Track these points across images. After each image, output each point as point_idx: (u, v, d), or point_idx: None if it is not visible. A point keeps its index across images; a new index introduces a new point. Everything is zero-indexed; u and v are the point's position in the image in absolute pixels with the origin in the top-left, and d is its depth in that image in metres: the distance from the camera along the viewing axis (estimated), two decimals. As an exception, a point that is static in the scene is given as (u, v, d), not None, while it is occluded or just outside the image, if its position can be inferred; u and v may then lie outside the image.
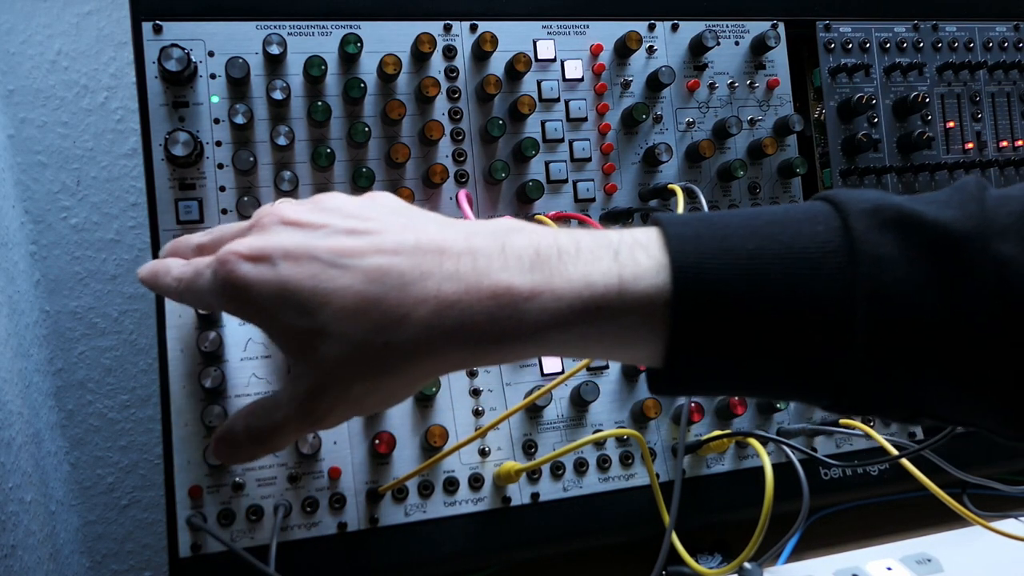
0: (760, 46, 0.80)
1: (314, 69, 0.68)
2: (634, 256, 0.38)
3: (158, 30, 0.67)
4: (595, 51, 0.76)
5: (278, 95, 0.67)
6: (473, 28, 0.74)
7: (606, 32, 0.77)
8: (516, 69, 0.72)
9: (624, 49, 0.76)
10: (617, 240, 0.39)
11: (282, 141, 0.67)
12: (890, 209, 0.38)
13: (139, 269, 0.51)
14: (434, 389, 0.66)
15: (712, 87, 0.79)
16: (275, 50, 0.67)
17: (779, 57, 0.82)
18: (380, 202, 0.44)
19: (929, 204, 0.39)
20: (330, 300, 0.39)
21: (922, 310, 0.37)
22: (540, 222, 0.70)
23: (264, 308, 0.41)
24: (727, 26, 0.80)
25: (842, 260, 0.37)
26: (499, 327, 0.38)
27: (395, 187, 0.70)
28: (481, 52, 0.72)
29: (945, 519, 0.71)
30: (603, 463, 0.70)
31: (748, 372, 0.39)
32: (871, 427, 0.73)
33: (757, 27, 0.81)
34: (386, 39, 0.71)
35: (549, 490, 0.68)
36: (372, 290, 0.38)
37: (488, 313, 0.38)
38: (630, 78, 0.77)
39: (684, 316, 0.37)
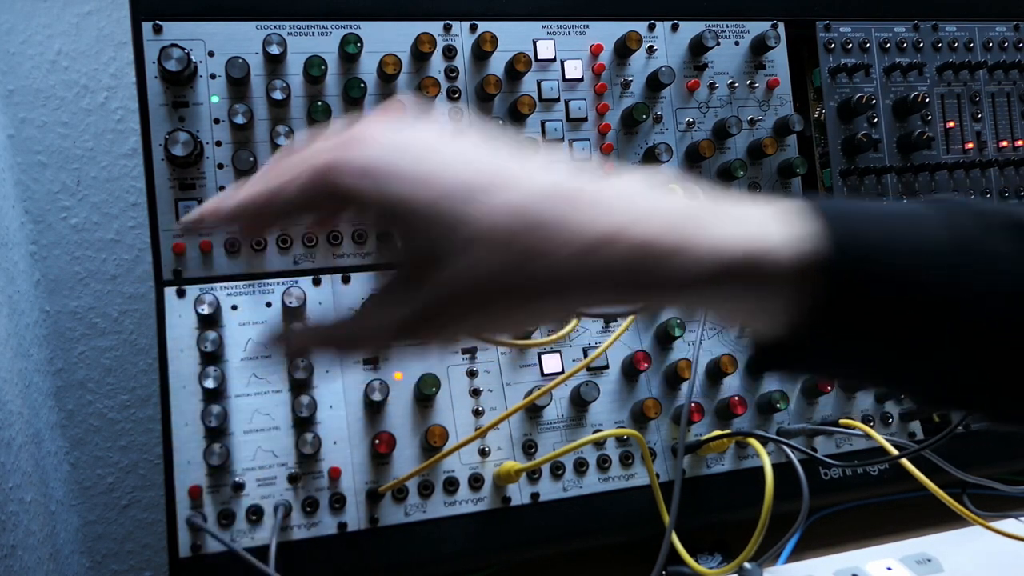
0: (760, 46, 0.80)
1: (314, 69, 0.68)
2: (784, 224, 0.37)
3: (158, 30, 0.67)
4: (595, 51, 0.76)
5: (278, 95, 0.67)
6: (473, 28, 0.74)
7: (606, 32, 0.76)
8: (516, 69, 0.72)
9: (624, 49, 0.76)
10: (763, 207, 0.39)
11: (282, 141, 0.67)
12: (1007, 214, 0.39)
13: (182, 219, 0.47)
14: (434, 389, 0.66)
15: (712, 87, 0.79)
16: (275, 50, 0.67)
17: (779, 57, 0.82)
18: (478, 139, 0.42)
19: None
20: (460, 227, 0.38)
21: None
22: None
23: (378, 222, 0.41)
24: (727, 26, 0.80)
25: (970, 259, 0.37)
26: (633, 279, 0.38)
27: (395, 187, 0.69)
28: (481, 52, 0.72)
29: (945, 519, 0.71)
30: (603, 463, 0.70)
31: (881, 357, 0.39)
32: (871, 427, 0.73)
33: (757, 27, 0.81)
34: (386, 39, 0.71)
35: (549, 490, 0.68)
36: (508, 225, 0.37)
37: (626, 264, 0.37)
38: (630, 78, 0.77)
39: (832, 288, 0.37)
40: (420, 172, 0.39)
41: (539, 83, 0.75)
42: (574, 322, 0.69)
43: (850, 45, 0.84)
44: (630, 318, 0.71)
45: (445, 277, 0.39)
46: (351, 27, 0.71)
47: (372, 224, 0.41)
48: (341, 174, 0.39)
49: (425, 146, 0.40)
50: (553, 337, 0.69)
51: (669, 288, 0.38)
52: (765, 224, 0.38)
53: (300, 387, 0.66)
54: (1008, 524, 0.70)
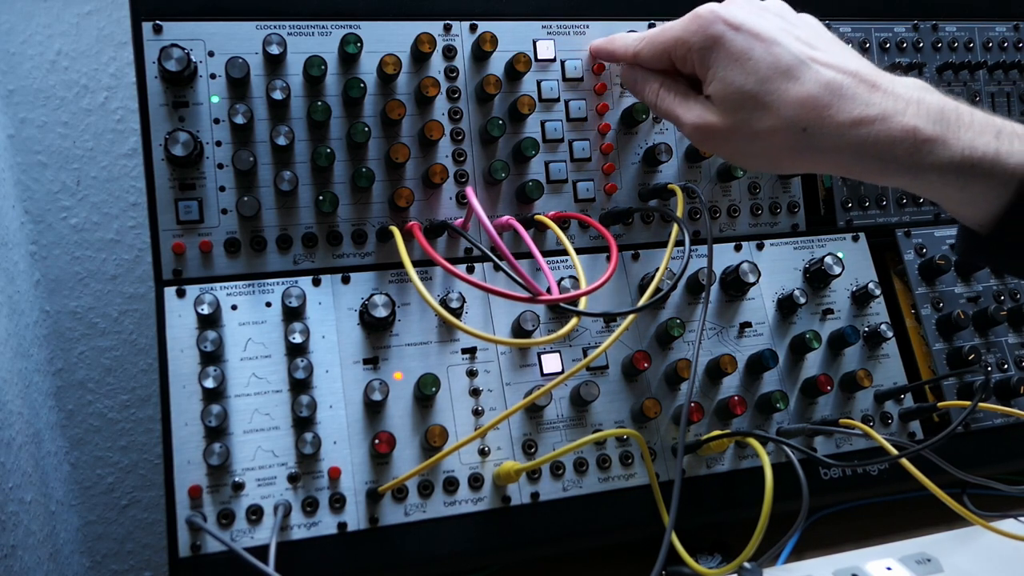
0: (760, 46, 0.80)
1: (314, 69, 0.68)
2: (1012, 139, 0.51)
3: (158, 30, 0.67)
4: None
5: (278, 95, 0.67)
6: (473, 28, 0.74)
7: (606, 32, 0.76)
8: (516, 69, 0.72)
9: (624, 49, 0.76)
10: (1000, 124, 0.52)
11: (282, 141, 0.67)
12: None
13: (593, 43, 0.73)
14: (434, 389, 0.66)
15: (712, 87, 0.79)
16: (275, 50, 0.67)
17: (779, 57, 0.81)
18: (820, 29, 0.60)
19: None
20: (785, 84, 0.54)
21: None
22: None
23: (723, 60, 0.57)
24: (727, 26, 0.80)
25: None
26: (895, 155, 0.51)
27: (395, 187, 0.70)
28: (481, 52, 0.72)
29: (945, 519, 0.71)
30: (603, 463, 0.70)
31: None
32: (871, 427, 0.73)
33: (757, 27, 0.80)
34: (386, 39, 0.71)
35: (549, 490, 0.68)
36: (818, 93, 0.53)
37: (892, 142, 0.51)
38: (630, 78, 0.77)
39: None
40: (770, 38, 0.55)
41: (539, 83, 0.75)
42: (574, 321, 0.69)
43: (850, 45, 0.84)
44: (630, 318, 0.71)
45: (744, 114, 0.56)
46: (351, 27, 0.71)
47: (715, 67, 0.58)
48: (715, 21, 0.57)
49: (775, 20, 0.57)
50: (552, 336, 0.69)
51: (921, 168, 0.51)
52: (1002, 136, 0.51)
53: (300, 387, 0.66)
54: (1008, 524, 0.70)
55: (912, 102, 0.52)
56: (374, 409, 0.67)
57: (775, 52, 0.54)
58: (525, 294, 0.63)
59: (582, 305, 0.67)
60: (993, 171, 0.50)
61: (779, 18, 0.58)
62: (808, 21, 0.59)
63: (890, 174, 0.54)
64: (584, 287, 0.69)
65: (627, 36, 0.68)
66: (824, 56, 0.54)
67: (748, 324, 0.76)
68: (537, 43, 0.75)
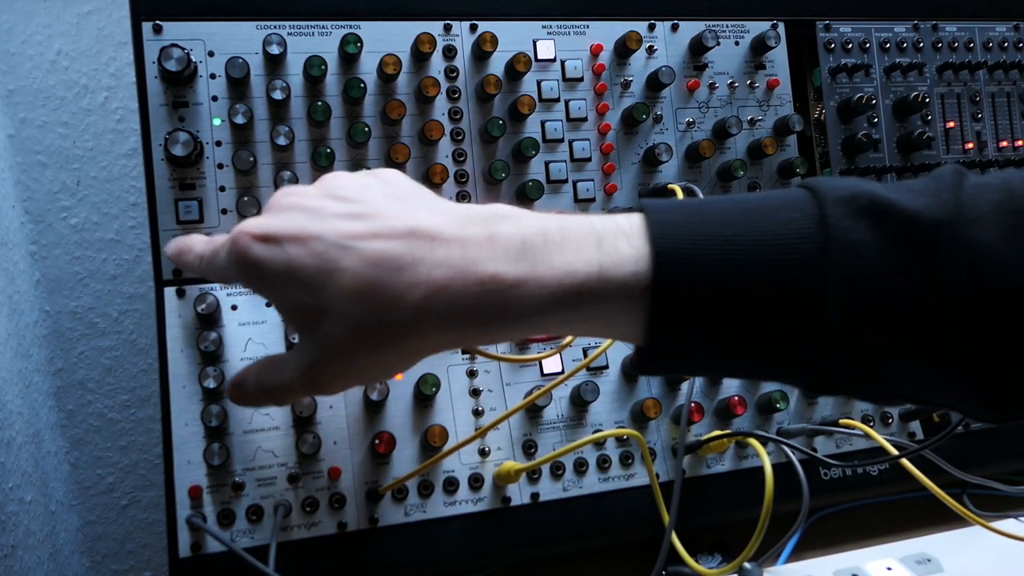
0: (760, 46, 0.80)
1: (314, 69, 0.68)
2: (616, 245, 0.40)
3: (158, 30, 0.67)
4: (595, 51, 0.76)
5: (278, 95, 0.67)
6: (473, 28, 0.74)
7: (606, 32, 0.76)
8: (516, 69, 0.72)
9: (624, 49, 0.76)
10: (600, 227, 0.41)
11: (282, 141, 0.67)
12: (864, 197, 0.40)
13: (167, 245, 0.55)
14: (434, 389, 0.66)
15: (712, 87, 0.79)
16: (275, 50, 0.67)
17: (779, 57, 0.82)
18: (383, 182, 0.46)
19: (904, 192, 0.40)
20: (332, 281, 0.41)
21: (893, 294, 0.38)
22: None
23: (273, 284, 0.44)
24: (727, 26, 0.80)
25: (816, 246, 0.39)
26: (486, 312, 0.40)
27: (395, 187, 0.69)
28: (481, 52, 0.72)
29: (945, 519, 0.71)
30: (603, 463, 0.70)
31: (726, 353, 0.42)
32: (871, 427, 0.73)
33: (757, 27, 0.81)
34: (386, 39, 0.71)
35: (549, 490, 0.68)
36: (370, 273, 0.40)
37: (476, 299, 0.40)
38: (630, 78, 0.77)
39: (662, 301, 0.39)
40: (307, 229, 0.42)
41: (539, 83, 0.75)
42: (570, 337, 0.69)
43: (850, 45, 0.84)
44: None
45: (321, 332, 0.43)
46: (351, 27, 0.71)
47: (275, 293, 0.45)
48: (246, 241, 0.44)
49: (321, 199, 0.44)
50: (551, 352, 0.69)
51: (515, 318, 0.40)
52: (597, 245, 0.41)
53: (300, 387, 0.66)
54: (1008, 524, 0.70)
55: (485, 243, 0.40)
56: (374, 409, 0.67)
57: (317, 250, 0.41)
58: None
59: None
60: (603, 294, 0.40)
61: (322, 201, 0.44)
62: (364, 183, 0.46)
63: (497, 333, 0.42)
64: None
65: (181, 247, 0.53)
66: (371, 227, 0.41)
67: (748, 324, 0.76)
68: (537, 43, 0.75)
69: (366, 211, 0.43)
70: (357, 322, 0.41)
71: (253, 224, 0.44)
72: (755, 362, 0.42)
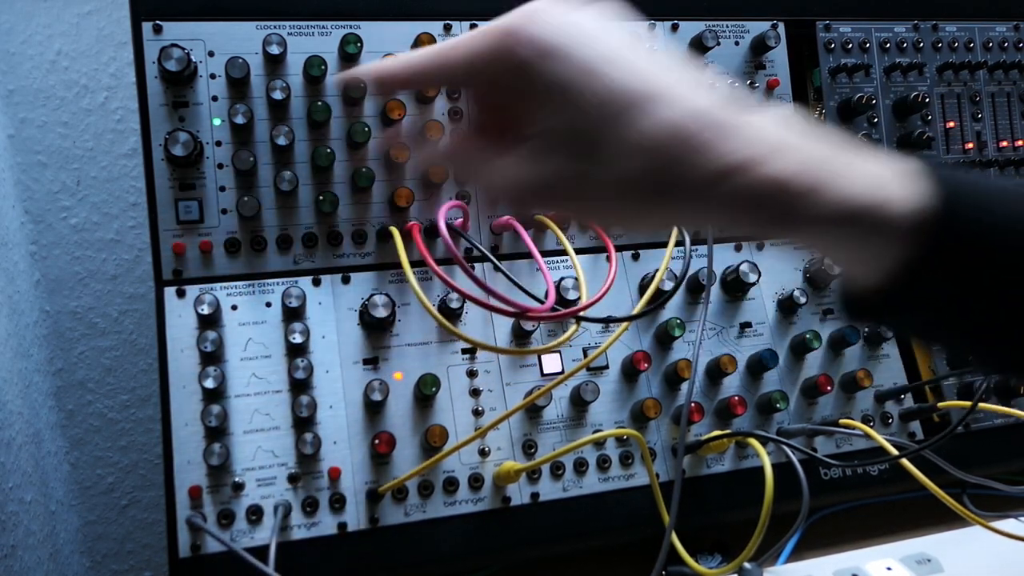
0: (760, 46, 0.80)
1: (314, 69, 0.68)
2: (901, 181, 0.41)
3: (158, 30, 0.67)
4: (595, 51, 0.76)
5: (278, 95, 0.67)
6: (473, 28, 0.74)
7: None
8: (516, 69, 0.72)
9: (624, 49, 0.76)
10: (885, 163, 0.42)
11: (282, 141, 0.67)
12: None
13: (345, 75, 0.50)
14: (434, 389, 0.66)
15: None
16: (275, 50, 0.67)
17: (779, 57, 0.82)
18: (654, 51, 0.45)
19: None
20: (616, 126, 0.40)
21: None
22: (541, 223, 0.70)
23: (536, 94, 0.42)
24: (727, 26, 0.80)
25: None
26: (766, 210, 0.41)
27: (395, 187, 0.70)
28: (481, 52, 0.72)
29: (945, 519, 0.71)
30: (603, 463, 0.70)
31: (974, 310, 0.42)
32: (871, 427, 0.73)
33: (757, 27, 0.81)
34: (386, 39, 0.71)
35: (549, 490, 0.68)
36: (660, 138, 0.40)
37: (761, 194, 0.40)
38: (630, 78, 0.77)
39: (937, 241, 0.40)
40: (596, 66, 0.41)
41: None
42: (574, 327, 0.69)
43: (850, 45, 0.84)
44: (629, 320, 0.71)
45: (593, 166, 0.41)
46: (351, 27, 0.71)
47: (526, 101, 0.43)
48: (519, 44, 0.41)
49: (602, 40, 0.42)
50: (553, 344, 0.69)
51: (796, 223, 0.41)
52: (885, 178, 0.41)
53: (300, 387, 0.66)
54: (1008, 524, 0.70)
55: (780, 147, 0.41)
56: (374, 409, 0.67)
57: (605, 87, 0.40)
58: (515, 309, 0.62)
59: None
60: (879, 222, 0.41)
61: (605, 35, 0.43)
62: (640, 42, 0.44)
63: (768, 230, 0.44)
64: (584, 289, 0.69)
65: (387, 62, 0.46)
66: (666, 92, 0.41)
67: (748, 324, 0.76)
68: (537, 43, 0.75)
69: (662, 70, 0.42)
70: (634, 171, 0.41)
71: (531, 30, 0.41)
72: (990, 327, 0.43)
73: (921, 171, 0.41)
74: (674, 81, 0.42)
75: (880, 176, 0.41)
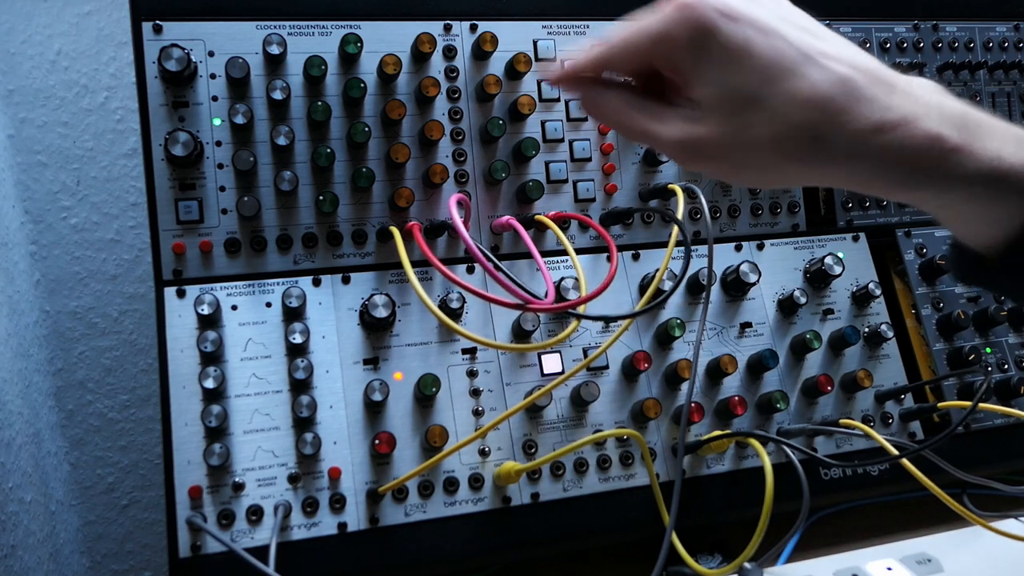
0: (760, 46, 0.79)
1: (314, 69, 0.68)
2: None
3: (158, 30, 0.67)
4: (595, 51, 0.76)
5: (278, 95, 0.67)
6: (473, 28, 0.74)
7: (606, 32, 0.76)
8: (516, 69, 0.72)
9: (624, 49, 0.76)
10: (1022, 133, 0.46)
11: (282, 141, 0.67)
12: None
13: (554, 70, 0.53)
14: (434, 389, 0.66)
15: (712, 87, 0.79)
16: (275, 50, 0.67)
17: (779, 57, 0.81)
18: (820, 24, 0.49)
19: None
20: (787, 81, 0.44)
21: None
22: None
23: (711, 57, 0.45)
24: (727, 26, 0.80)
25: None
26: (920, 166, 0.44)
27: (395, 187, 0.70)
28: (481, 52, 0.72)
29: (945, 519, 0.71)
30: (603, 463, 0.70)
31: None
32: (871, 427, 0.73)
33: (757, 27, 0.80)
34: (386, 39, 0.71)
35: (549, 490, 0.68)
36: (829, 90, 0.44)
37: (916, 151, 0.43)
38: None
39: None
40: (773, 26, 0.45)
41: (539, 83, 0.75)
42: (574, 324, 0.69)
43: (850, 45, 0.84)
44: (629, 319, 0.71)
45: (740, 119, 0.45)
46: (351, 27, 0.71)
47: (704, 66, 0.46)
48: (703, 9, 0.45)
49: (772, 7, 0.46)
50: (551, 341, 0.69)
51: (945, 179, 0.44)
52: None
53: (300, 387, 0.66)
54: (1008, 524, 0.70)
55: (933, 106, 0.44)
56: (374, 409, 0.67)
57: (778, 46, 0.44)
58: (519, 301, 0.63)
59: (581, 307, 0.67)
60: (1016, 184, 0.44)
61: (775, 5, 0.48)
62: (803, 13, 0.49)
63: (912, 187, 0.46)
64: (584, 288, 0.69)
65: (583, 51, 0.53)
66: (833, 50, 0.45)
67: (748, 324, 0.76)
68: (537, 43, 0.75)
69: (825, 36, 0.46)
70: (795, 127, 0.44)
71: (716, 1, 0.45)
72: None
73: None
74: (841, 43, 0.46)
75: (1021, 142, 0.44)
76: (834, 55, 0.45)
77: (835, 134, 0.44)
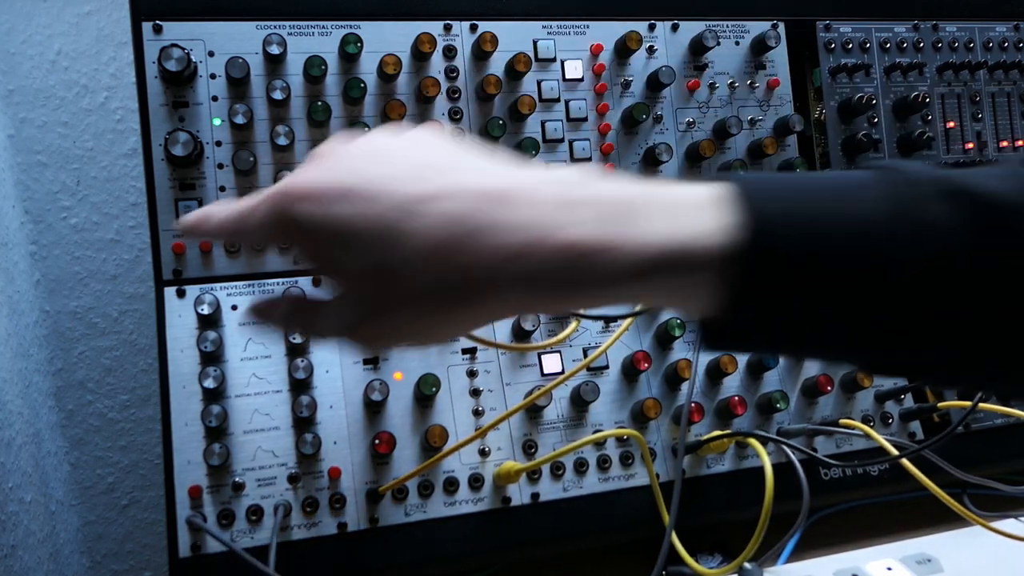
0: (760, 46, 0.80)
1: (314, 69, 0.68)
2: (703, 214, 0.38)
3: (158, 30, 0.67)
4: (595, 51, 0.76)
5: (278, 95, 0.67)
6: (473, 28, 0.74)
7: (606, 32, 0.76)
8: (516, 69, 0.72)
9: (624, 49, 0.76)
10: (684, 195, 0.39)
11: (282, 141, 0.67)
12: (944, 179, 0.39)
13: (179, 220, 0.50)
14: (434, 389, 0.66)
15: (712, 87, 0.79)
16: (275, 50, 0.67)
17: (779, 57, 0.82)
18: (433, 137, 0.44)
19: (979, 177, 0.40)
20: (397, 244, 0.39)
21: (972, 275, 0.38)
22: None
23: (320, 245, 0.41)
24: (727, 26, 0.80)
25: (908, 228, 0.38)
26: (562, 280, 0.38)
27: (395, 187, 0.69)
28: (481, 52, 0.72)
29: (945, 519, 0.71)
30: (603, 463, 0.70)
31: (805, 329, 0.40)
32: (871, 427, 0.73)
33: (757, 27, 0.81)
34: (386, 39, 0.71)
35: (549, 490, 0.68)
36: (440, 237, 0.38)
37: (553, 266, 0.38)
38: (630, 78, 0.77)
39: (751, 274, 0.37)
40: (363, 189, 0.40)
41: (539, 83, 0.75)
42: (573, 324, 0.69)
43: (850, 45, 0.84)
44: (629, 320, 0.71)
45: (381, 293, 0.41)
46: (351, 27, 0.71)
47: (321, 252, 0.42)
48: (290, 200, 0.41)
49: (371, 159, 0.41)
50: (553, 340, 0.69)
51: (598, 286, 0.38)
52: (688, 213, 0.38)
53: (300, 387, 0.66)
54: (1008, 524, 0.70)
55: (563, 208, 0.38)
56: (374, 409, 0.67)
57: (376, 212, 0.39)
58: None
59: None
60: (684, 265, 0.38)
61: (371, 157, 0.42)
62: (418, 139, 0.44)
63: (571, 299, 0.40)
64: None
65: (221, 212, 0.47)
66: (445, 187, 0.39)
67: (748, 324, 0.76)
68: (537, 43, 0.75)
69: (431, 171, 0.40)
70: (422, 286, 0.39)
71: (297, 183, 0.41)
72: (831, 340, 0.41)
73: (730, 197, 0.38)
74: (461, 171, 0.40)
75: (684, 214, 0.38)
76: (445, 193, 0.39)
77: (467, 277, 0.39)
